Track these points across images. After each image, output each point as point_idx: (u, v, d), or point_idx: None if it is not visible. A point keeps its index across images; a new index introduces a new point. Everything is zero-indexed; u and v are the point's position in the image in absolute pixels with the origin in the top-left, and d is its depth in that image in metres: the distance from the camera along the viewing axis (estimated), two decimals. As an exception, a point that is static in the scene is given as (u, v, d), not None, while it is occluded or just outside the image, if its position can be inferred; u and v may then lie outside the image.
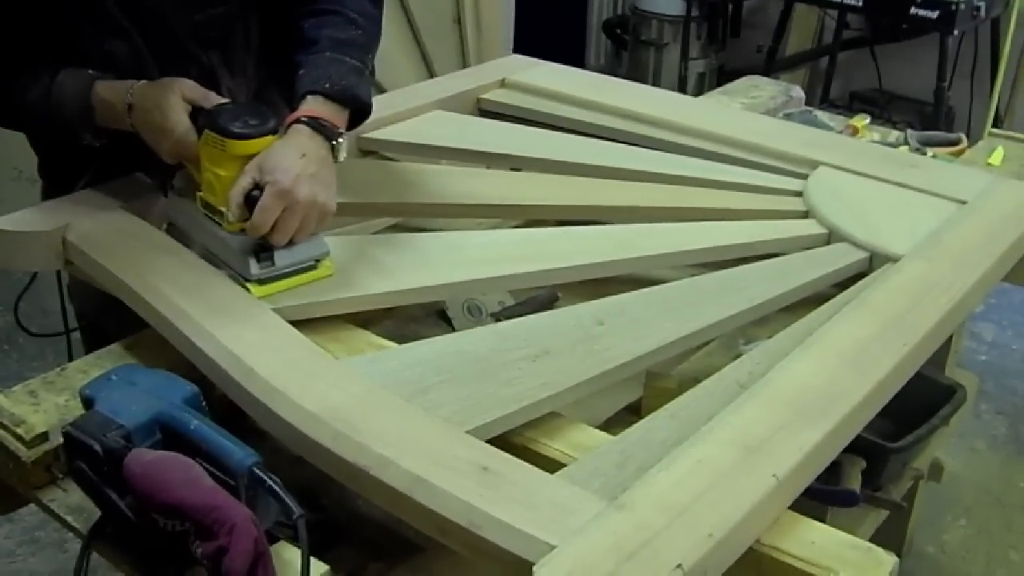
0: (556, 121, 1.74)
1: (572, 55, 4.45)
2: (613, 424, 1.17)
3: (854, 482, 1.24)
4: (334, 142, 1.22)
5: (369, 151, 1.64)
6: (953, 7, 3.42)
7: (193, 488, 0.88)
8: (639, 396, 1.23)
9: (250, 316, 1.14)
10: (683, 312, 1.21)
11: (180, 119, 1.21)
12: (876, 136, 1.96)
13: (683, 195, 1.51)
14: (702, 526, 0.86)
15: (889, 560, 0.91)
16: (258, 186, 1.15)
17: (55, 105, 1.27)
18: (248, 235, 1.17)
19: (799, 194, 1.51)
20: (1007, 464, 2.50)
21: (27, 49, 1.29)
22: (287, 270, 1.19)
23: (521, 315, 1.24)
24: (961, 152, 1.89)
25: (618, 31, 4.58)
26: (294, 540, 0.90)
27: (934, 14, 3.47)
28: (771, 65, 3.97)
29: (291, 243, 1.18)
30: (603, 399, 1.19)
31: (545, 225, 1.46)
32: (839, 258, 1.35)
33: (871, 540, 0.94)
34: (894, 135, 1.97)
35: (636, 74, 4.20)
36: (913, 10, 3.50)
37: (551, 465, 1.00)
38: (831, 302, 1.26)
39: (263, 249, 1.17)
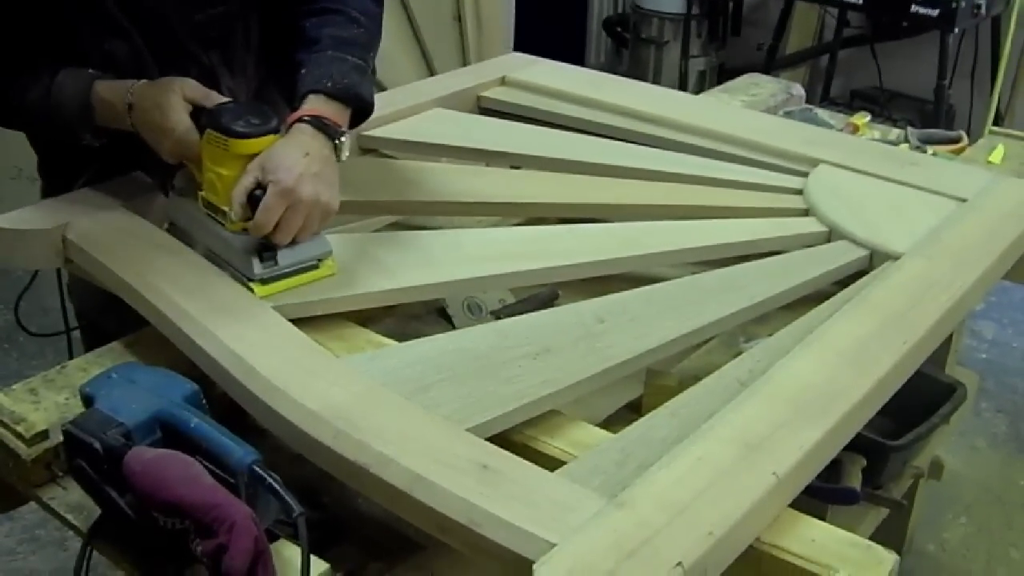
0: (556, 119, 1.74)
1: (572, 53, 4.45)
2: (613, 422, 1.17)
3: (854, 480, 1.24)
4: (337, 141, 1.21)
5: (369, 149, 1.63)
6: (954, 5, 3.42)
7: (193, 486, 0.88)
8: (639, 394, 1.23)
9: (251, 315, 1.14)
10: (684, 310, 1.21)
11: (181, 118, 1.21)
12: (876, 134, 1.95)
13: (683, 193, 1.50)
14: (702, 524, 0.86)
15: (889, 558, 0.91)
16: (261, 185, 1.14)
17: (55, 105, 1.27)
18: (251, 235, 1.16)
19: (799, 192, 1.50)
20: (1007, 462, 2.50)
21: (27, 49, 1.28)
22: (290, 269, 1.19)
23: (522, 313, 1.24)
24: (961, 150, 1.89)
25: (618, 29, 4.58)
26: (294, 538, 0.90)
27: (935, 12, 3.47)
28: (771, 63, 3.98)
29: (294, 242, 1.18)
30: (603, 397, 1.19)
31: (546, 223, 1.46)
32: (839, 256, 1.35)
33: (871, 538, 0.94)
34: (894, 133, 1.96)
35: (636, 72, 4.20)
36: (914, 8, 3.50)
37: (551, 463, 1.00)
38: (831, 300, 1.26)
39: (266, 249, 1.17)
